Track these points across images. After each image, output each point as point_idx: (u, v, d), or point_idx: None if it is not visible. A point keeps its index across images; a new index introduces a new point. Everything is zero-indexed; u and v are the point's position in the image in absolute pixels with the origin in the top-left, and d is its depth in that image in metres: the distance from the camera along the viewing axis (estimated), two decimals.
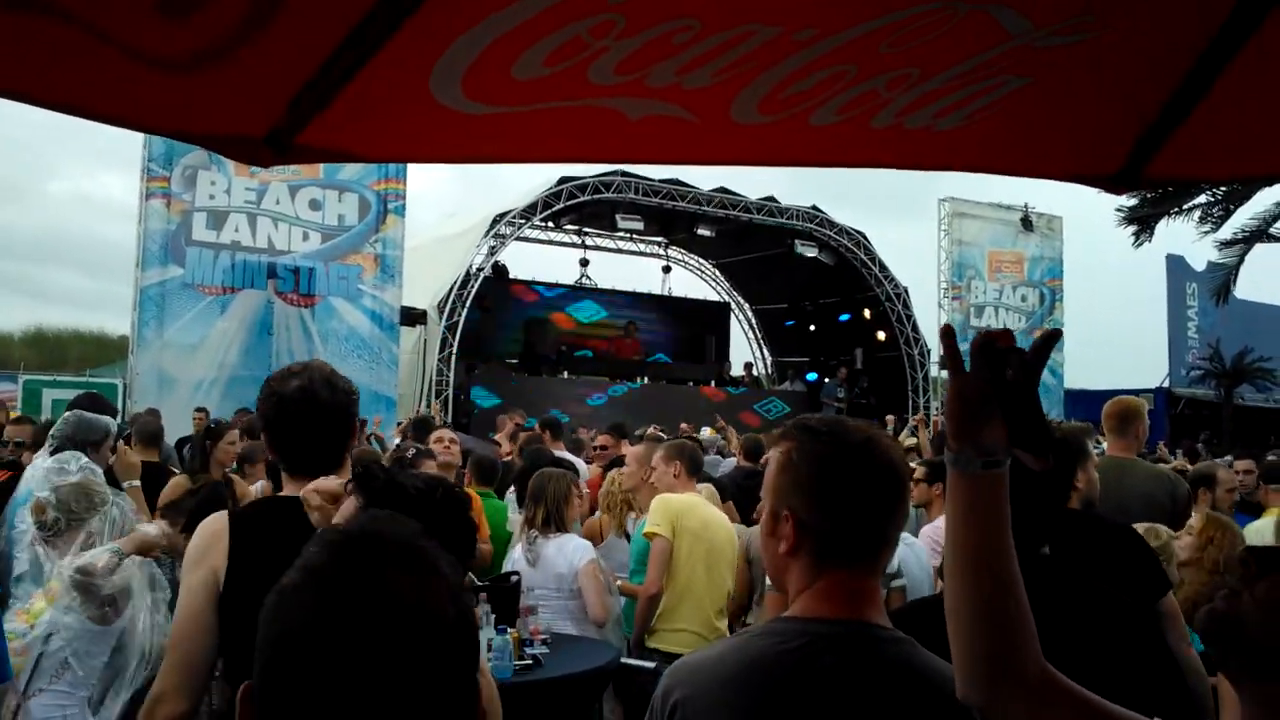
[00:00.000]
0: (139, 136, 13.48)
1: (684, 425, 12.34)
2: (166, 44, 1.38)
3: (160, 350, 13.40)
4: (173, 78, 1.47)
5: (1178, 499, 4.44)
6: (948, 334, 1.43)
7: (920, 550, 4.79)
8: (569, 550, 4.80)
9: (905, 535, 4.56)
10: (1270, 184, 17.13)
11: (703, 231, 18.77)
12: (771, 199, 18.80)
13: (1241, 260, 20.92)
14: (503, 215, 16.71)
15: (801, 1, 1.54)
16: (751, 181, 18.43)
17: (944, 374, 21.62)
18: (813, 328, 22.79)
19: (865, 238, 19.65)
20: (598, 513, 6.05)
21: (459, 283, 15.95)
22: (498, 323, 19.73)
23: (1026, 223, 22.08)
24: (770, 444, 1.77)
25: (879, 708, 1.43)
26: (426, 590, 0.95)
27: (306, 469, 2.41)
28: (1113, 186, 2.04)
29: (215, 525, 2.38)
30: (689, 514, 4.77)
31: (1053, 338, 1.40)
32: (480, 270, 16.65)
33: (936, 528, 5.05)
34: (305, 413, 2.44)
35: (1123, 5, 1.61)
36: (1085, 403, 20.65)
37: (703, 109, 1.73)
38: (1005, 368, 1.29)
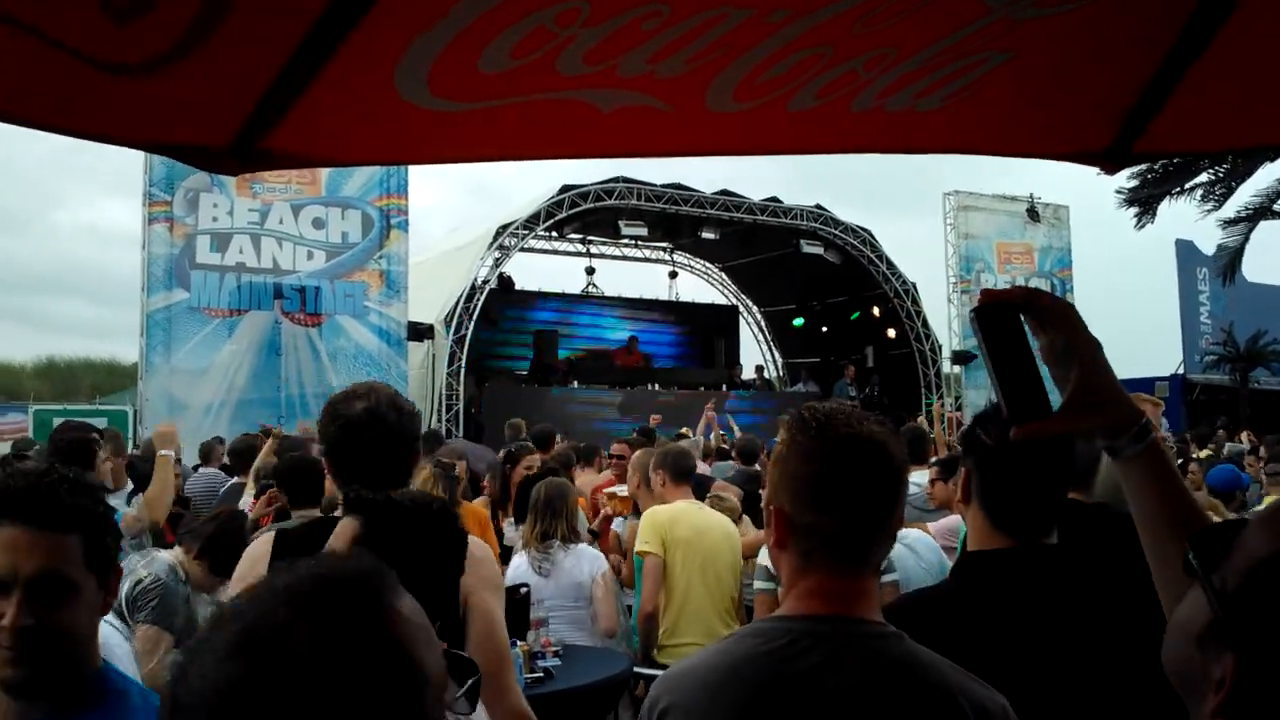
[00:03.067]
0: (140, 162, 13.51)
1: (655, 417, 12.04)
2: (117, 50, 1.35)
3: (169, 375, 13.44)
4: (128, 86, 1.43)
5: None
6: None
7: (924, 546, 4.61)
8: (586, 559, 4.76)
9: (907, 534, 4.43)
10: (1271, 156, 16.94)
11: (707, 235, 18.71)
12: (775, 199, 18.73)
13: (1246, 239, 20.74)
14: (506, 227, 16.67)
15: None
16: (754, 182, 18.50)
17: (956, 369, 21.17)
18: (823, 328, 22.70)
19: (871, 234, 19.56)
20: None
21: (464, 296, 15.93)
22: (506, 335, 19.72)
23: (1033, 213, 21.91)
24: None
25: (865, 703, 1.38)
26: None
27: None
28: (1104, 164, 1.99)
29: (260, 548, 2.43)
30: (677, 524, 4.70)
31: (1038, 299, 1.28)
32: (485, 283, 16.63)
33: (946, 524, 4.97)
34: (371, 437, 2.41)
35: None
36: None
37: (677, 98, 1.69)
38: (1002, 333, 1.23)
